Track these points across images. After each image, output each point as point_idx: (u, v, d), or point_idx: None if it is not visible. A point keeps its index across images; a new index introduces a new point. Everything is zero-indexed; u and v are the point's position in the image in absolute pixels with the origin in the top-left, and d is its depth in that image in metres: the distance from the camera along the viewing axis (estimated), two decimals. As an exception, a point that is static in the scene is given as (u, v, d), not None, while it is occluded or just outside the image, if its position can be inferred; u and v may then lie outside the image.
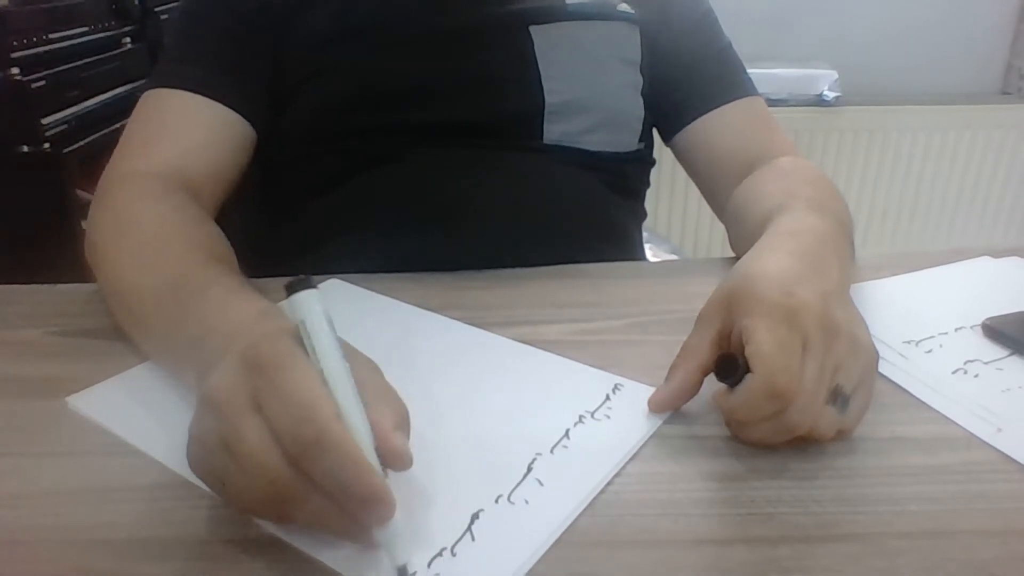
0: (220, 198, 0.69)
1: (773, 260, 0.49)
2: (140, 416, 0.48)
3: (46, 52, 1.34)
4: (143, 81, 0.71)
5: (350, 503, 0.34)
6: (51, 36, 1.36)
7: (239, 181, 0.72)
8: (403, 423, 0.38)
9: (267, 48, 0.72)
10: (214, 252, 0.57)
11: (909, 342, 0.56)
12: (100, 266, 0.59)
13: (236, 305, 0.46)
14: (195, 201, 0.63)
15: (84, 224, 0.65)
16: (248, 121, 0.71)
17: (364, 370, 0.39)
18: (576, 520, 0.40)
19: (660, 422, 0.47)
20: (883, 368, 0.51)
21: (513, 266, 0.67)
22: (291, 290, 0.37)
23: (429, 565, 0.36)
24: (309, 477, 0.34)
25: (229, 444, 0.35)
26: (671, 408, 0.48)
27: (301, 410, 0.34)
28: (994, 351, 0.55)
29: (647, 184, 0.86)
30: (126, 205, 0.62)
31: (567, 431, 0.46)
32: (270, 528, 0.38)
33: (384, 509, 0.34)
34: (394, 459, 0.36)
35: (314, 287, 0.37)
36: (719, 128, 0.77)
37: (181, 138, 0.68)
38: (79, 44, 1.43)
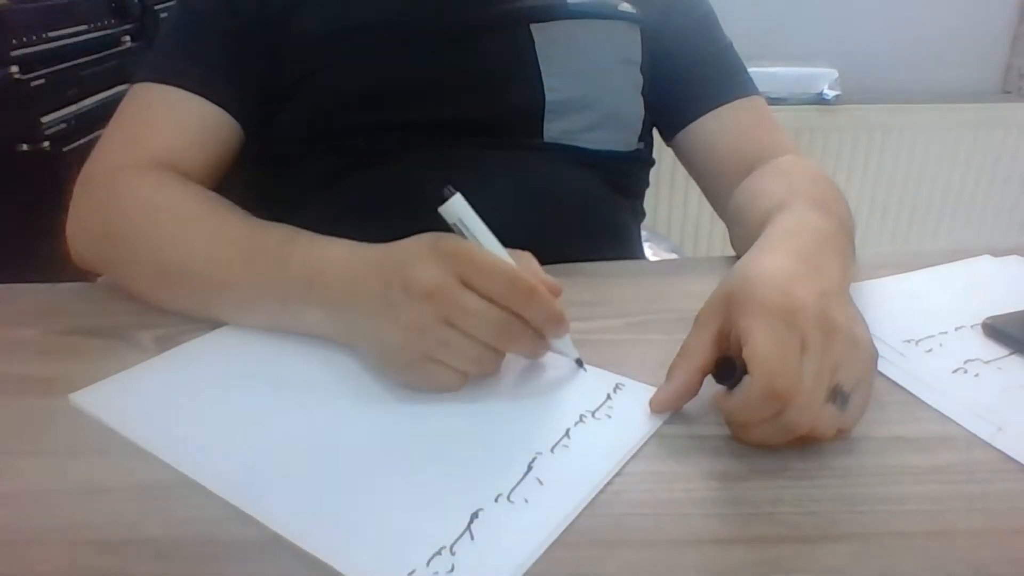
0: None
1: (772, 259, 0.49)
2: (143, 414, 0.48)
3: (45, 50, 1.34)
4: (135, 75, 0.71)
5: (549, 328, 0.48)
6: (50, 34, 1.36)
7: (223, 177, 0.72)
8: (539, 272, 0.51)
9: (264, 46, 0.71)
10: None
11: (909, 341, 0.56)
12: (128, 247, 0.60)
13: (328, 244, 0.55)
14: None
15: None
16: (237, 120, 0.71)
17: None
18: (576, 520, 0.39)
19: (660, 422, 0.47)
20: (883, 367, 0.51)
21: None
22: (440, 200, 0.47)
23: (428, 564, 0.36)
24: (521, 318, 0.47)
25: (452, 317, 0.46)
26: (672, 409, 0.48)
27: (510, 275, 0.46)
28: (994, 350, 0.55)
29: (646, 184, 0.86)
30: (143, 190, 0.62)
31: (567, 430, 0.46)
32: (269, 527, 0.38)
33: (567, 325, 0.49)
34: (553, 289, 0.49)
35: (456, 192, 0.48)
36: (720, 128, 0.77)
37: (169, 135, 0.68)
38: (78, 42, 1.43)
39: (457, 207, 0.48)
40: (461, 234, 0.48)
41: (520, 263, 0.49)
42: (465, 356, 0.47)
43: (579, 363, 0.52)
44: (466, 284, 0.46)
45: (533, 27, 0.73)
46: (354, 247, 0.54)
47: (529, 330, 0.48)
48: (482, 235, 0.48)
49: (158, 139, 0.67)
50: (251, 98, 0.72)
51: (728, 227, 0.74)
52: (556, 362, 0.53)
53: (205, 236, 0.58)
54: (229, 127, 0.70)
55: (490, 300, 0.46)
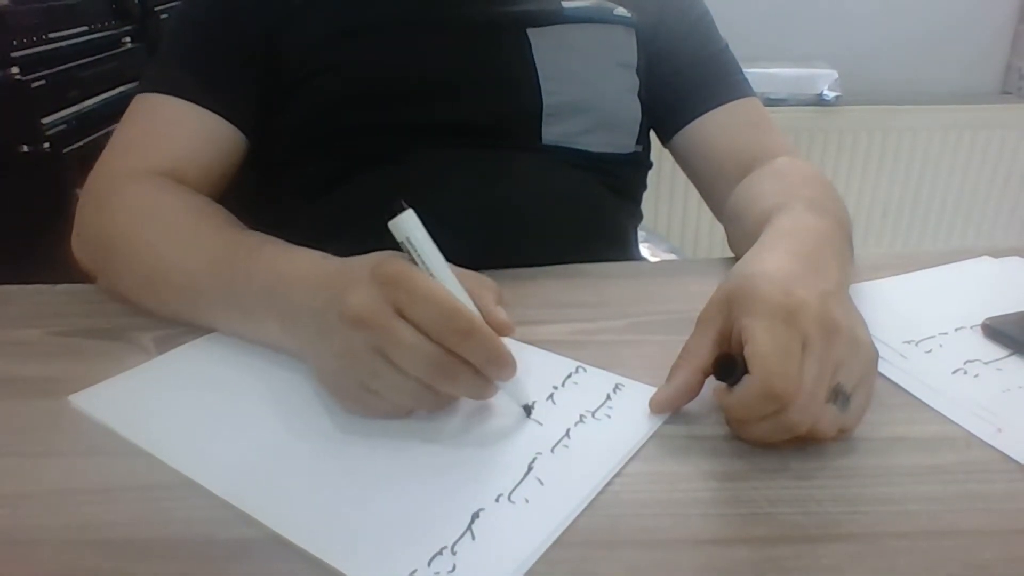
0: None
1: (772, 260, 0.49)
2: (142, 415, 0.48)
3: (46, 52, 1.34)
4: (138, 84, 0.72)
5: (491, 369, 0.44)
6: (51, 36, 1.36)
7: (228, 185, 0.72)
8: (499, 298, 0.47)
9: (263, 52, 0.72)
10: (241, 225, 0.61)
11: (909, 342, 0.56)
12: (119, 256, 0.61)
13: (296, 256, 0.53)
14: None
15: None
16: (239, 129, 0.71)
17: (452, 267, 0.46)
18: (576, 520, 0.40)
19: (660, 422, 0.47)
20: (883, 368, 0.51)
21: (512, 266, 0.67)
22: (391, 215, 0.44)
23: (429, 564, 0.36)
24: (458, 357, 0.42)
25: (383, 347, 0.42)
26: (672, 409, 0.48)
27: (447, 308, 0.42)
28: (994, 351, 0.55)
29: (644, 187, 0.87)
30: (142, 195, 0.63)
31: (568, 430, 0.46)
32: (270, 527, 0.38)
33: (513, 368, 0.44)
34: (501, 327, 0.45)
35: (408, 208, 0.44)
36: (716, 129, 0.78)
37: (172, 144, 0.68)
38: (79, 44, 1.43)
39: (406, 225, 0.44)
40: (409, 254, 0.45)
41: (477, 291, 0.46)
42: (399, 390, 0.44)
43: (527, 410, 0.47)
44: (401, 313, 0.42)
45: (530, 31, 0.74)
46: (317, 260, 0.51)
47: (468, 370, 0.43)
48: (430, 258, 0.44)
49: (160, 149, 0.68)
50: (252, 105, 0.72)
51: (726, 228, 0.74)
52: (556, 361, 0.53)
53: (181, 245, 0.58)
54: (231, 136, 0.71)
55: (425, 334, 0.42)
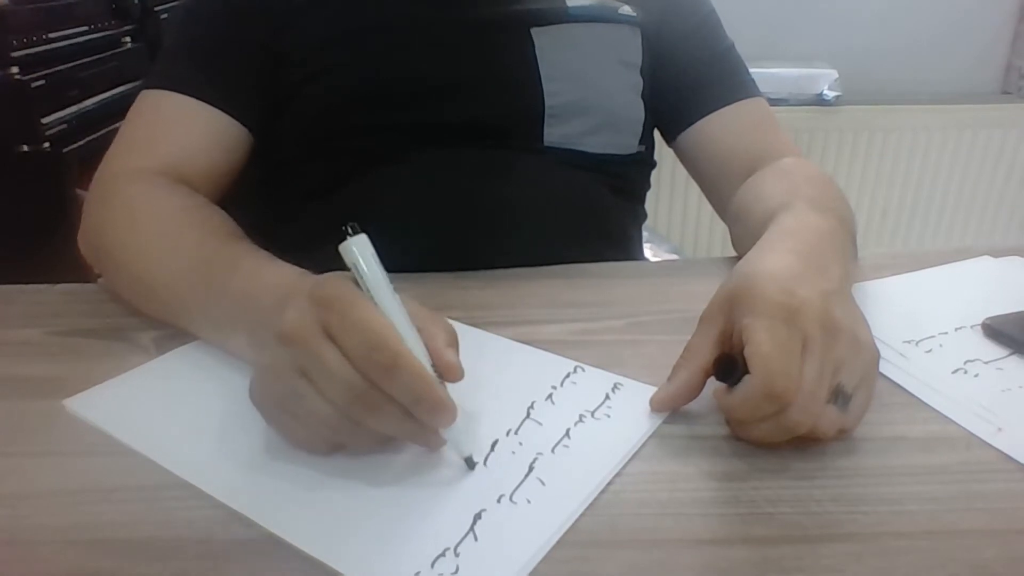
0: (215, 198, 0.69)
1: (774, 259, 0.49)
2: (137, 419, 0.48)
3: (46, 51, 1.34)
4: (143, 81, 0.72)
5: (420, 412, 0.40)
6: (51, 35, 1.36)
7: (233, 182, 0.72)
8: (453, 341, 0.44)
9: (267, 50, 0.72)
10: (233, 233, 0.60)
11: (909, 342, 0.56)
12: (113, 259, 0.61)
13: (272, 270, 0.51)
14: (198, 192, 0.65)
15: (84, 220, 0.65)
16: (244, 125, 0.71)
17: (408, 301, 0.43)
18: (577, 519, 0.40)
19: (660, 421, 0.47)
20: (883, 368, 0.51)
21: (513, 266, 0.67)
22: (341, 237, 0.42)
23: (432, 565, 0.36)
24: (383, 392, 0.39)
25: (307, 368, 0.40)
26: (671, 408, 0.48)
27: (373, 338, 0.39)
28: (994, 351, 0.55)
29: (648, 186, 0.86)
30: (136, 198, 0.63)
31: (568, 430, 0.46)
32: (270, 528, 0.38)
33: (450, 414, 0.40)
34: (448, 372, 0.42)
35: (361, 232, 0.42)
36: (721, 129, 0.77)
37: (177, 141, 0.68)
38: (79, 43, 1.43)
39: (355, 250, 0.42)
40: (355, 280, 0.42)
41: (430, 330, 0.42)
42: (317, 416, 0.40)
43: (468, 463, 0.43)
44: (331, 336, 0.40)
45: (534, 31, 0.74)
46: (287, 277, 0.50)
47: (393, 407, 0.40)
48: (376, 287, 0.41)
49: (163, 145, 0.68)
50: (256, 102, 0.72)
51: (729, 228, 0.74)
52: (554, 362, 0.53)
53: (165, 252, 0.58)
54: (236, 133, 0.71)
55: (351, 362, 0.39)
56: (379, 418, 0.40)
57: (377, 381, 0.39)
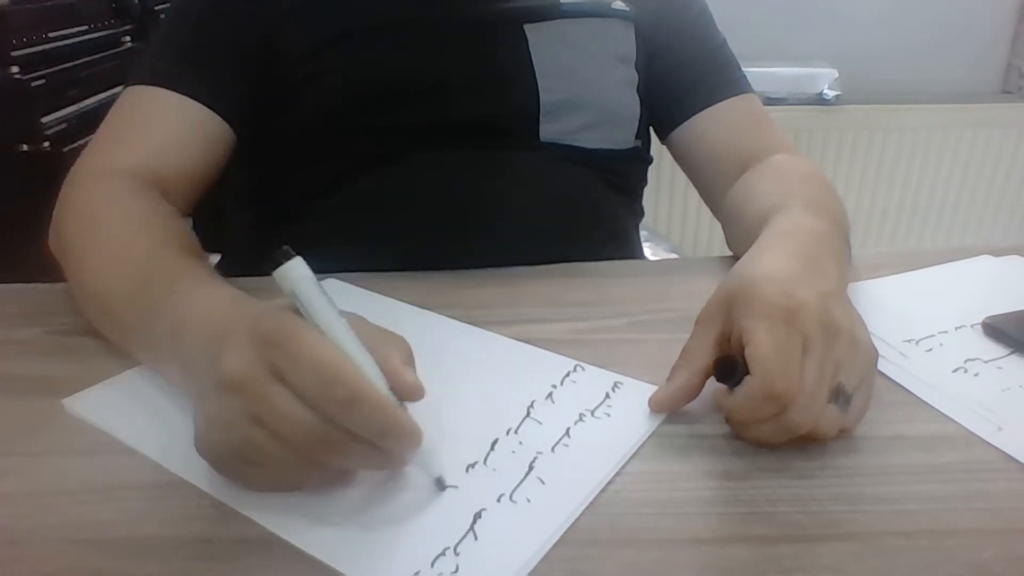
0: (192, 197, 0.68)
1: (771, 261, 0.49)
2: (136, 418, 0.47)
3: (46, 51, 1.34)
4: (128, 77, 0.72)
5: (386, 442, 0.37)
6: (51, 35, 1.36)
7: (214, 180, 0.71)
8: (409, 359, 0.41)
9: (258, 49, 0.71)
10: (183, 247, 0.56)
11: (909, 341, 0.56)
12: (67, 264, 0.59)
13: (206, 294, 0.48)
14: (164, 198, 0.63)
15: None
16: (226, 121, 0.70)
17: (357, 321, 0.41)
18: (577, 519, 0.40)
19: (660, 421, 0.47)
20: (883, 367, 0.51)
21: (512, 265, 0.67)
22: (275, 264, 0.38)
23: (432, 565, 0.36)
24: (345, 429, 0.36)
25: (260, 416, 0.37)
26: (670, 409, 0.48)
27: (327, 373, 0.36)
28: (994, 350, 0.55)
29: (644, 182, 0.86)
30: (92, 201, 0.61)
31: (568, 429, 0.46)
32: (270, 528, 0.38)
33: (415, 440, 0.38)
34: (408, 392, 0.39)
35: (295, 255, 0.38)
36: (714, 126, 0.78)
37: (155, 136, 0.67)
38: (79, 43, 1.43)
39: (292, 275, 0.38)
40: (296, 309, 0.39)
41: (383, 351, 0.40)
42: (278, 463, 0.38)
43: (439, 484, 0.41)
44: (281, 377, 0.37)
45: (527, 27, 0.73)
46: (220, 305, 0.46)
47: (356, 442, 0.37)
48: (320, 313, 0.38)
49: (142, 141, 0.66)
50: (241, 100, 0.71)
51: (723, 226, 0.74)
52: (554, 361, 0.53)
53: (110, 262, 0.55)
54: (219, 129, 0.69)
55: (307, 400, 0.36)
56: (343, 455, 0.38)
57: (336, 418, 0.36)
